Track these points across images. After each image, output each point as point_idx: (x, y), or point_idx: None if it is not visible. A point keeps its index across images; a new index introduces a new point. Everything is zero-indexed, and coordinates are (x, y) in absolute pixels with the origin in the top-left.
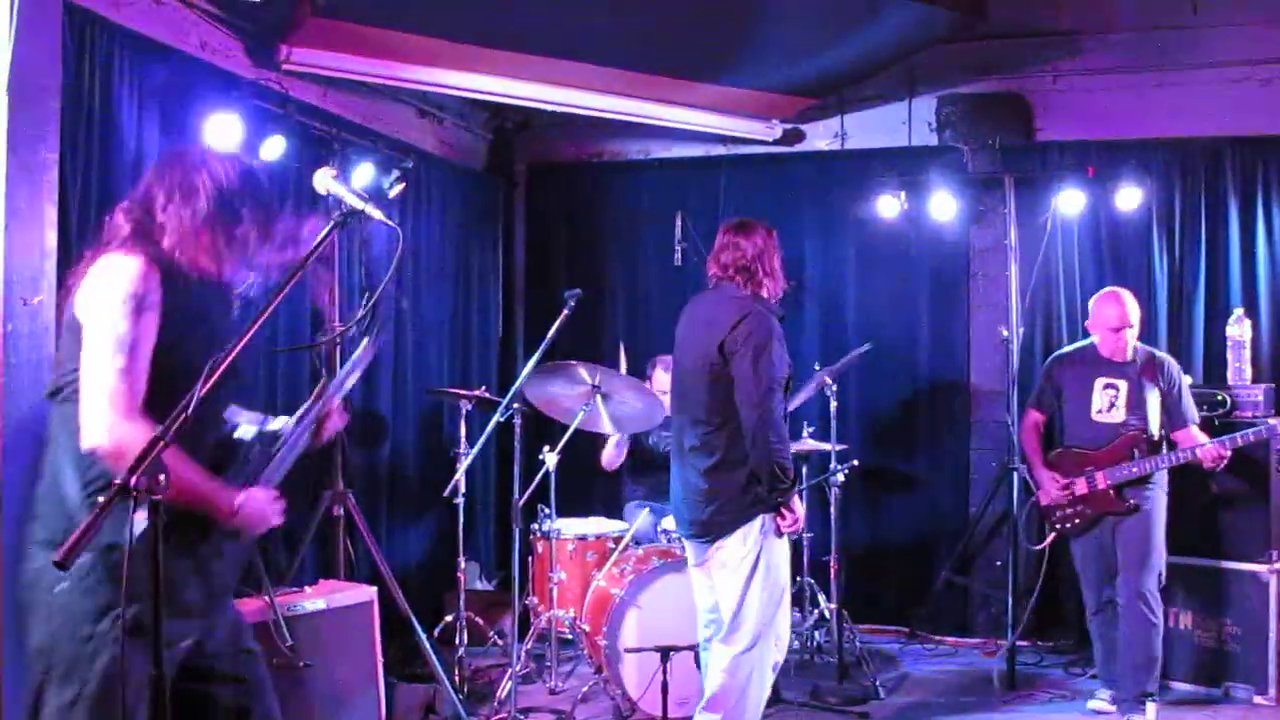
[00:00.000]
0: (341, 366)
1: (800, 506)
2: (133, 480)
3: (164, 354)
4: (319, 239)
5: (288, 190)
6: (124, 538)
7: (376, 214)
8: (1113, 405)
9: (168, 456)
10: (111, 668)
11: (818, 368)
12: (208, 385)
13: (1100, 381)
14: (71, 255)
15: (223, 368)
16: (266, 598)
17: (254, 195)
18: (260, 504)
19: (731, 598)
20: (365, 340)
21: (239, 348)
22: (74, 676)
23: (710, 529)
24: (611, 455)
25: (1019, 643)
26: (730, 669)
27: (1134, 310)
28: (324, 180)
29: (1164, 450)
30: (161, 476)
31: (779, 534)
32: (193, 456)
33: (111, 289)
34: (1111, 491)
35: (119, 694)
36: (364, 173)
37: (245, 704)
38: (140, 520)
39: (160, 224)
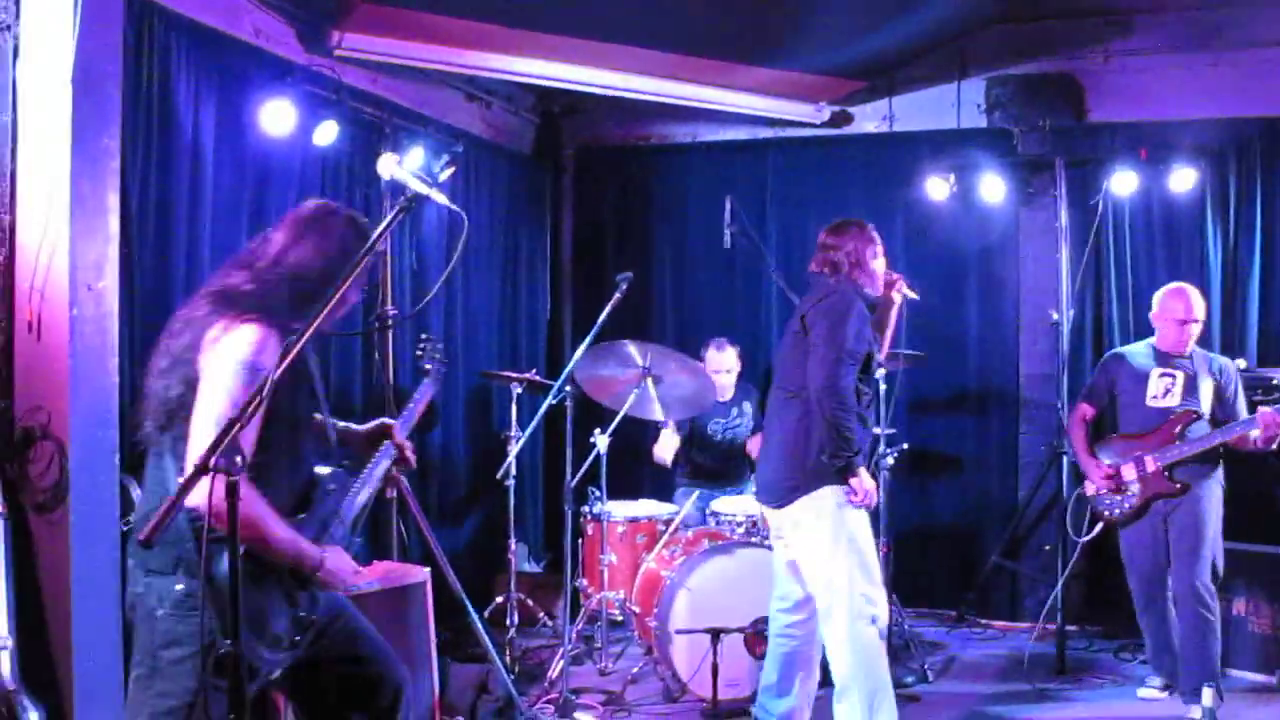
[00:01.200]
0: (403, 409)
1: (868, 480)
2: (212, 460)
3: (274, 416)
4: (387, 223)
5: (340, 175)
6: (219, 573)
7: (441, 199)
8: (1168, 391)
9: (265, 516)
10: (200, 692)
11: None
12: (281, 368)
13: (1157, 371)
14: (133, 242)
15: (293, 354)
16: None
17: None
18: (342, 565)
19: (819, 569)
20: (425, 380)
21: (308, 335)
22: (169, 693)
23: (782, 494)
24: (665, 450)
25: (1068, 627)
26: (840, 647)
27: (1199, 306)
28: (388, 166)
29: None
30: (239, 458)
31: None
32: (277, 496)
33: (231, 354)
34: (1163, 472)
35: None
36: (414, 157)
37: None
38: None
39: (283, 290)
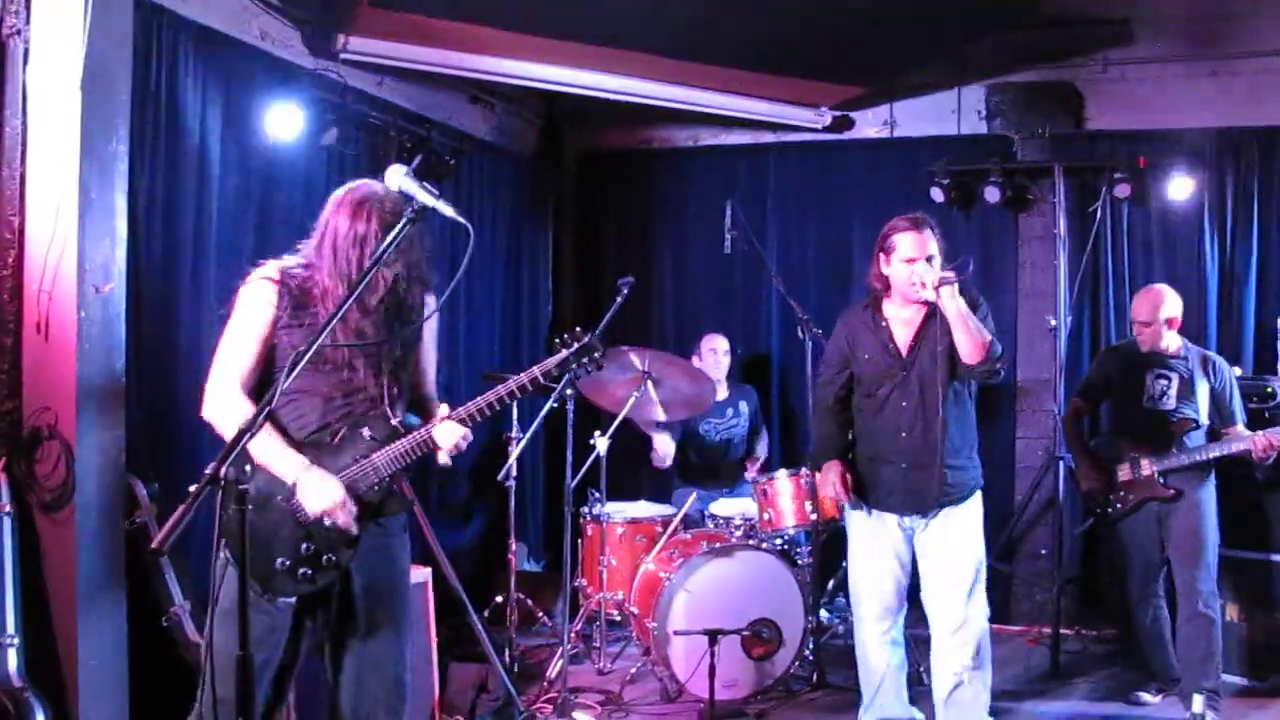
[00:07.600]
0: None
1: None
2: (221, 471)
3: (281, 351)
4: (394, 235)
5: (345, 177)
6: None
7: (449, 211)
8: (1164, 394)
9: (227, 422)
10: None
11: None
12: (290, 379)
13: (1152, 372)
14: (140, 244)
15: (303, 363)
16: None
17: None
18: (315, 485)
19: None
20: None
21: (317, 343)
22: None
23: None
24: (662, 454)
25: (1062, 631)
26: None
27: (1167, 307)
28: (396, 177)
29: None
30: (248, 467)
31: None
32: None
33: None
34: (1157, 477)
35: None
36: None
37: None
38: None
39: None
